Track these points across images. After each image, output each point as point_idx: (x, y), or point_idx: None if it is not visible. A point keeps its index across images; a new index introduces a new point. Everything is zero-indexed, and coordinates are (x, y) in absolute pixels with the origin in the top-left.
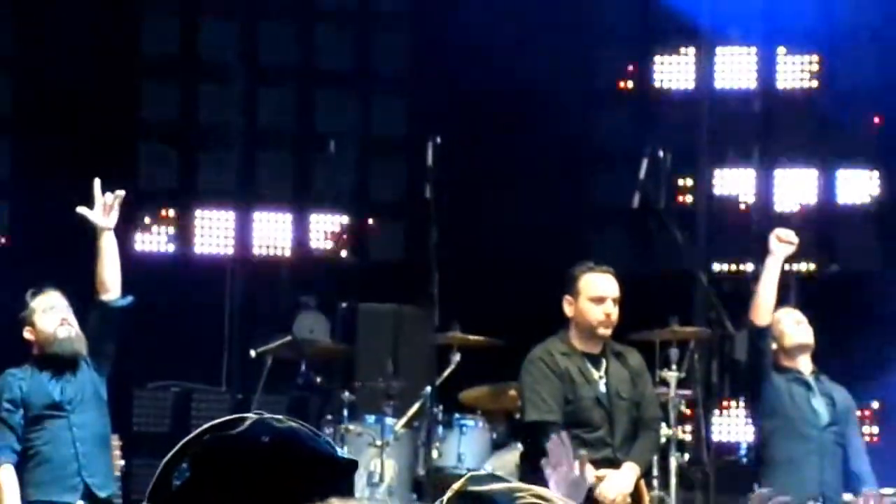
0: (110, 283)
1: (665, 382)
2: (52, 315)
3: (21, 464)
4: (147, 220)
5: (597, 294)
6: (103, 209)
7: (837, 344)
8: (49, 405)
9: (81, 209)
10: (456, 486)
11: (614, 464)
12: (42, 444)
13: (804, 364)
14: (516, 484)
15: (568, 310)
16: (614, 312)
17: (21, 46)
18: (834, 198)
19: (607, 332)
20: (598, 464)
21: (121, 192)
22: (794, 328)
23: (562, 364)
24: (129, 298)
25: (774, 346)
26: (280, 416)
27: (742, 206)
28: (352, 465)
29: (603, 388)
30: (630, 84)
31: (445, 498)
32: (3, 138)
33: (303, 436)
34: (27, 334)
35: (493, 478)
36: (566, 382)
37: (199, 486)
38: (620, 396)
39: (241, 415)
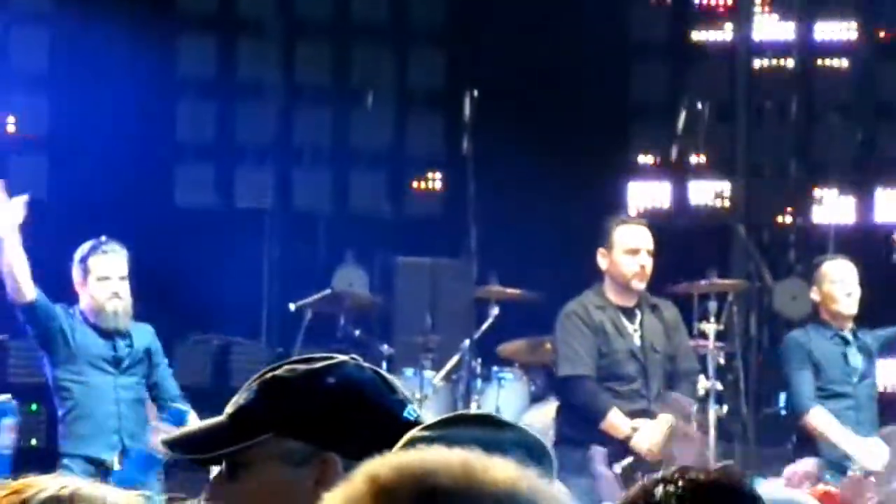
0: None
1: (703, 335)
2: (105, 286)
3: (61, 414)
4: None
5: (631, 246)
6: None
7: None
8: (98, 360)
9: None
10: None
11: (649, 416)
12: (84, 398)
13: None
14: None
15: (602, 262)
16: (648, 264)
17: None
18: (873, 150)
19: (641, 284)
20: (633, 416)
21: (24, 196)
22: (844, 300)
23: (596, 318)
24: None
25: (817, 297)
26: (367, 366)
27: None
28: (414, 427)
29: (637, 341)
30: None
31: None
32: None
33: (371, 388)
34: (78, 287)
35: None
36: (600, 336)
37: (257, 412)
38: (655, 349)
39: (331, 354)
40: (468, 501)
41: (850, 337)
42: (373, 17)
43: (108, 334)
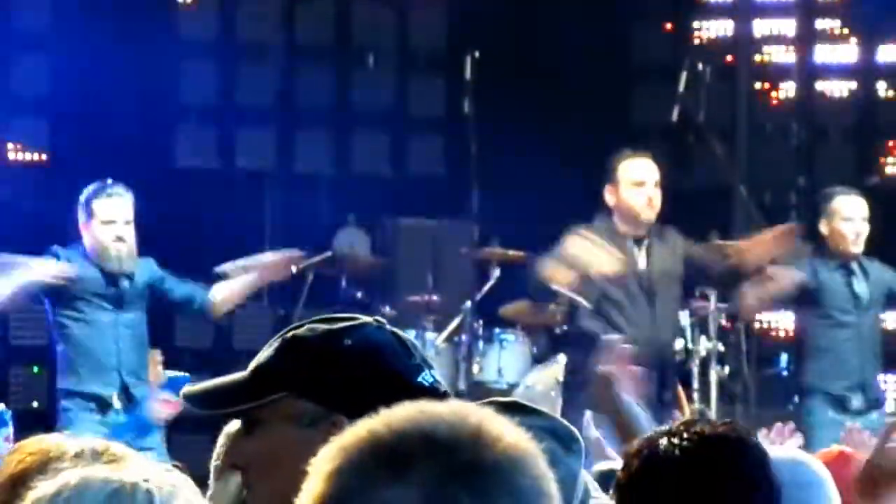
0: None
1: (705, 296)
2: (109, 229)
3: (60, 350)
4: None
5: (637, 179)
6: None
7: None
8: (99, 296)
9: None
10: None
11: (653, 344)
12: (83, 335)
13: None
14: None
15: (609, 198)
16: (656, 196)
17: None
18: (874, 109)
19: (651, 216)
20: (638, 343)
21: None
22: (853, 238)
23: (601, 239)
24: None
25: (825, 230)
26: (388, 328)
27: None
28: (428, 393)
29: (643, 265)
30: None
31: None
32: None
33: (387, 352)
34: (82, 227)
35: None
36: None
37: (273, 370)
38: (663, 273)
39: (355, 315)
40: (472, 458)
41: (855, 268)
42: None
43: (111, 272)
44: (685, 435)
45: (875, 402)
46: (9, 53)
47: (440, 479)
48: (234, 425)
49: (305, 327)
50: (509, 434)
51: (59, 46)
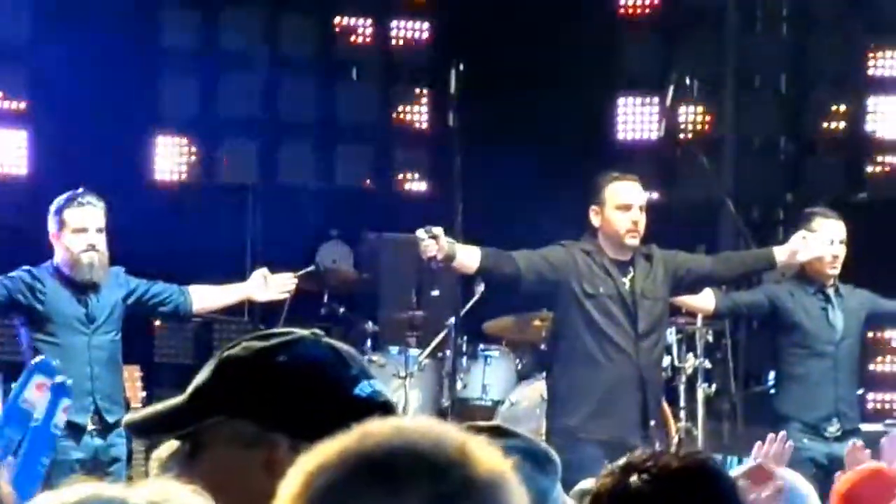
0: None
1: (692, 312)
2: (81, 238)
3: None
4: (168, 147)
5: (623, 202)
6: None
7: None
8: (70, 319)
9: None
10: None
11: (632, 359)
12: (55, 359)
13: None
14: None
15: (595, 219)
16: (641, 220)
17: None
18: (863, 125)
19: (635, 241)
20: (620, 363)
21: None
22: (829, 262)
23: (578, 259)
24: None
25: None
26: (326, 341)
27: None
28: (367, 404)
29: (627, 287)
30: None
31: None
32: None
33: (323, 365)
34: (53, 238)
35: None
36: (567, 273)
37: (209, 392)
38: (645, 296)
39: (291, 330)
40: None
41: (832, 294)
42: None
43: (82, 289)
44: (653, 471)
45: (851, 431)
46: None
47: (431, 498)
48: (164, 450)
49: (240, 346)
50: (490, 454)
51: (39, 57)
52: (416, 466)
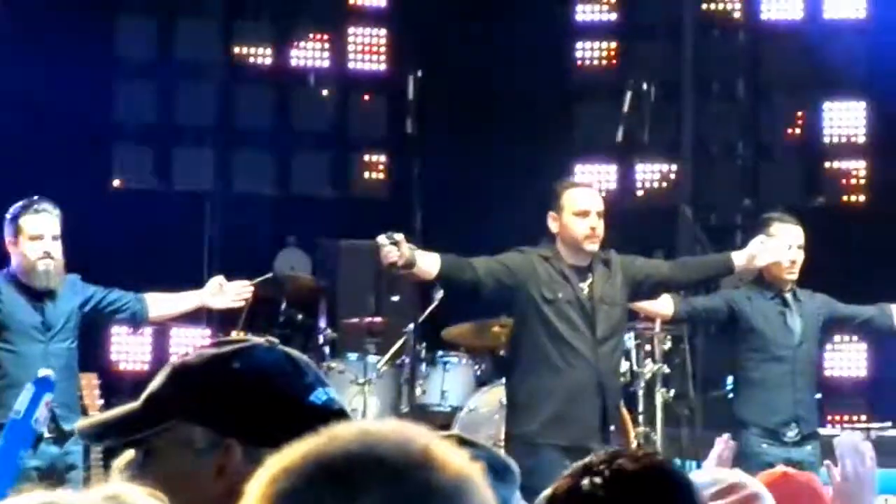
0: None
1: (650, 317)
2: (37, 245)
3: None
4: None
5: (580, 208)
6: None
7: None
8: (27, 327)
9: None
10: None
11: (591, 364)
12: (13, 367)
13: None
14: None
15: (553, 226)
16: (599, 226)
17: None
18: (821, 130)
19: (594, 246)
20: (579, 369)
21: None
22: (787, 266)
23: (537, 265)
24: None
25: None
26: (280, 349)
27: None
28: (321, 411)
29: (585, 292)
30: (613, 16)
31: None
32: None
33: (277, 372)
34: (9, 246)
35: None
36: (525, 278)
37: (163, 398)
38: (603, 301)
39: (245, 338)
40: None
41: (790, 299)
42: None
43: (38, 297)
44: (606, 473)
45: (810, 435)
46: None
47: (389, 502)
48: (122, 459)
49: (193, 354)
50: (455, 458)
51: None
52: (376, 470)
